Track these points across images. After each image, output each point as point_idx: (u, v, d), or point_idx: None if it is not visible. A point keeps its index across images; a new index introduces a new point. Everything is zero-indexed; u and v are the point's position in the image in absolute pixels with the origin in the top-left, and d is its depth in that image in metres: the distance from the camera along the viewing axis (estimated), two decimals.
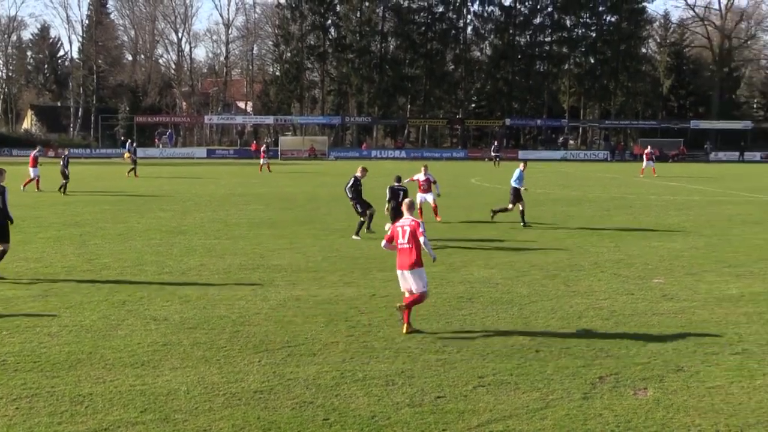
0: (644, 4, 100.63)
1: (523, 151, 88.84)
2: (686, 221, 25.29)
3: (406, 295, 11.73)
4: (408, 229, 11.67)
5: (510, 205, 24.44)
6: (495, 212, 24.91)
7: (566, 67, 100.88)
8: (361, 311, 12.57)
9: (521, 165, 24.94)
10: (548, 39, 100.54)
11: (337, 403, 8.49)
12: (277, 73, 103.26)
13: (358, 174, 21.97)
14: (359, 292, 13.98)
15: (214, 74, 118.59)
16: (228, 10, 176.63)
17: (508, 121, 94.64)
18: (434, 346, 10.66)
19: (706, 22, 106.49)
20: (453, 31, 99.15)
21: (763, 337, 11.30)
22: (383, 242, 12.20)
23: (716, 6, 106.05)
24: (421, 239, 11.49)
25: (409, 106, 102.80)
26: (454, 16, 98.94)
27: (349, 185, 21.71)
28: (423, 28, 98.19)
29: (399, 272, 11.77)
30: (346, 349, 10.44)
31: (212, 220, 25.04)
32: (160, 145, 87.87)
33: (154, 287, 14.24)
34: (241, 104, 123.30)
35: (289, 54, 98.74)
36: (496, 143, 77.52)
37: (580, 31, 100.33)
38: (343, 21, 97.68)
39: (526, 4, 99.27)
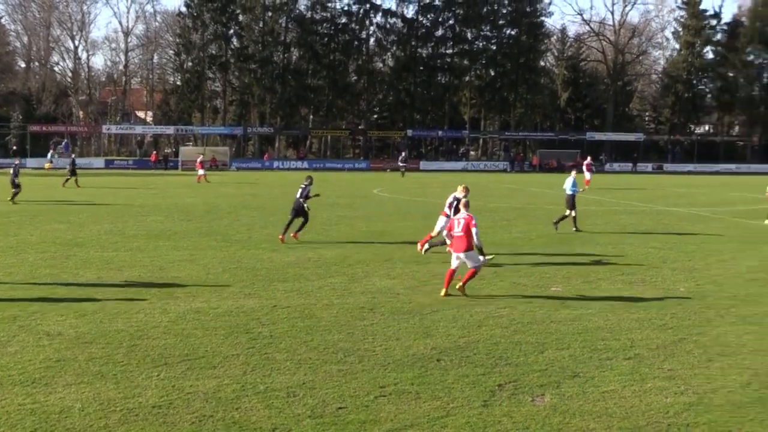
0: (542, 18, 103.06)
1: (425, 162, 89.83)
2: (583, 230, 25.92)
3: (452, 267, 14.82)
4: (462, 222, 14.76)
5: (567, 212, 25.97)
6: (556, 223, 25.90)
7: (467, 79, 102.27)
8: (263, 323, 12.48)
9: (573, 173, 27.33)
10: (450, 51, 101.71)
11: (237, 417, 8.39)
12: (178, 83, 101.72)
13: (460, 194, 21.04)
14: (260, 304, 13.87)
15: (113, 83, 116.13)
16: (127, 17, 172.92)
17: (410, 132, 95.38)
18: (336, 356, 10.66)
19: (601, 38, 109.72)
20: (356, 42, 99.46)
21: (653, 341, 11.68)
22: (445, 231, 15.87)
23: (610, 22, 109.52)
24: (474, 230, 14.64)
25: (311, 116, 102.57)
26: (357, 27, 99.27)
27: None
28: (326, 39, 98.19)
29: (454, 254, 14.79)
30: (247, 362, 10.34)
31: (110, 232, 24.46)
32: (56, 155, 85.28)
33: (48, 301, 13.82)
34: (141, 114, 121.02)
35: (190, 63, 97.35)
36: (404, 153, 77.95)
37: (480, 44, 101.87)
38: (246, 31, 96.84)
39: (428, 16, 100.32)
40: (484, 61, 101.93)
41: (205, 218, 28.96)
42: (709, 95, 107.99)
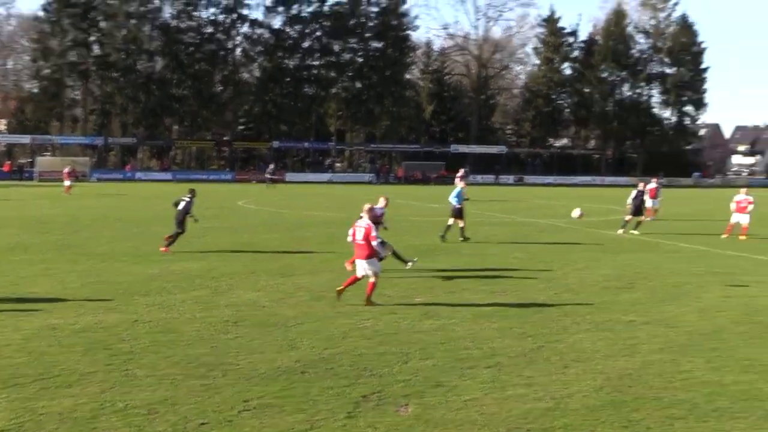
0: (408, 32, 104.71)
1: (291, 174, 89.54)
2: (448, 241, 26.36)
3: (357, 275, 15.25)
4: (362, 231, 15.09)
5: (461, 223, 26.91)
6: (443, 236, 26.63)
7: (334, 90, 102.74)
8: (122, 338, 12.13)
9: (462, 184, 28.59)
10: (317, 63, 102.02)
11: None
12: (35, 90, 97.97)
13: (382, 204, 20.82)
14: (121, 319, 13.48)
15: None
16: None
17: (276, 144, 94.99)
18: (199, 371, 10.46)
19: (465, 52, 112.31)
20: (222, 52, 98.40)
21: (514, 350, 11.99)
22: (349, 236, 15.53)
23: (474, 37, 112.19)
24: (374, 242, 15.10)
25: (176, 127, 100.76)
26: (224, 37, 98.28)
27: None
28: (191, 49, 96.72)
29: (357, 261, 15.20)
30: (106, 379, 10.02)
31: None
32: None
33: None
34: None
35: (48, 70, 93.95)
36: (272, 165, 77.32)
37: (347, 56, 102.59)
38: (108, 38, 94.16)
39: (296, 28, 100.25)
40: (350, 74, 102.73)
41: (63, 231, 27.97)
42: (567, 110, 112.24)
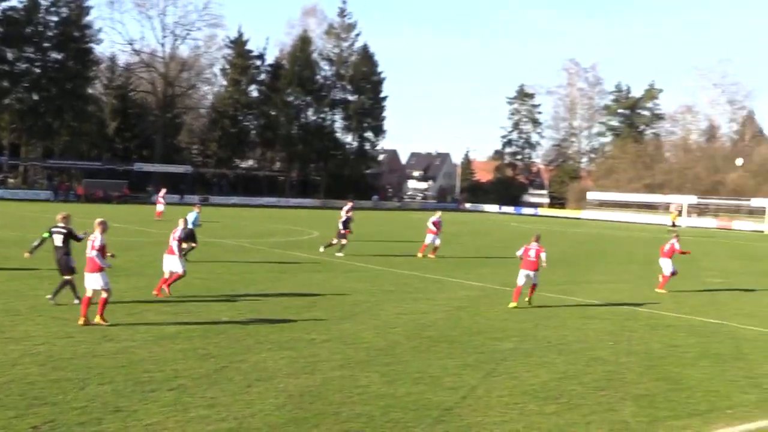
0: (91, 45, 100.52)
1: None
2: (130, 262, 25.60)
3: (87, 294, 15.08)
4: (90, 244, 15.26)
5: (193, 244, 27.27)
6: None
7: (7, 101, 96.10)
8: None
9: (197, 208, 29.45)
10: None
11: None
12: None
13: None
14: None
15: None
16: None
17: None
18: None
19: (151, 69, 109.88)
20: None
21: (197, 371, 11.87)
22: (95, 252, 15.25)
23: (161, 54, 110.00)
24: (92, 253, 15.03)
25: None
26: None
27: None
28: None
29: (86, 275, 15.17)
30: None
31: None
32: None
33: None
34: None
35: None
36: None
37: (23, 66, 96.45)
38: None
39: None
40: (26, 84, 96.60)
41: None
42: (253, 131, 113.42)
